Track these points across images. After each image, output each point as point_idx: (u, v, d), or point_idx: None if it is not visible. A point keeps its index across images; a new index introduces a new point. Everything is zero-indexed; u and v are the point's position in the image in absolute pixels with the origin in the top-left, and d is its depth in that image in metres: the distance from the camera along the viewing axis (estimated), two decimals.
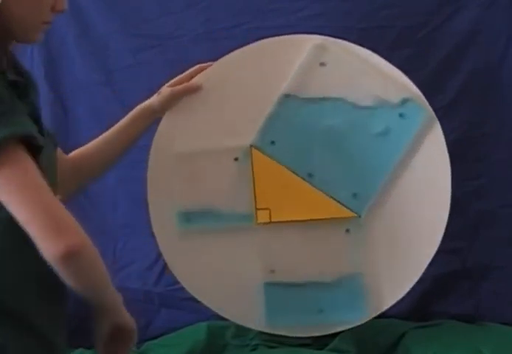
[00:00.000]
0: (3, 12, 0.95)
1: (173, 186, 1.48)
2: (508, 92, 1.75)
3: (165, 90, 1.43)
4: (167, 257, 1.50)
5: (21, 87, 1.01)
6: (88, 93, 1.84)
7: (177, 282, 1.52)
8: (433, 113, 1.47)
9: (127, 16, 1.80)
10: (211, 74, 1.48)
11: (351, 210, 1.48)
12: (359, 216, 1.47)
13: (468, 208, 1.76)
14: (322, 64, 1.48)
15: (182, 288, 1.51)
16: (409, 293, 1.49)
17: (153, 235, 1.49)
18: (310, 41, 1.48)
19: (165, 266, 1.64)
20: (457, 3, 1.73)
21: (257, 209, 1.48)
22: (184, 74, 1.47)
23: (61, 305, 1.05)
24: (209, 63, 1.48)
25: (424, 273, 1.47)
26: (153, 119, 1.42)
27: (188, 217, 1.48)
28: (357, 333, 1.61)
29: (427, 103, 1.47)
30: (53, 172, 1.07)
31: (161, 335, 1.80)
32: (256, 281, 1.49)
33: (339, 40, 1.49)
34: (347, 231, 1.48)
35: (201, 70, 1.47)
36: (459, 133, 1.74)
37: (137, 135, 1.38)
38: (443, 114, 1.61)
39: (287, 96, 1.48)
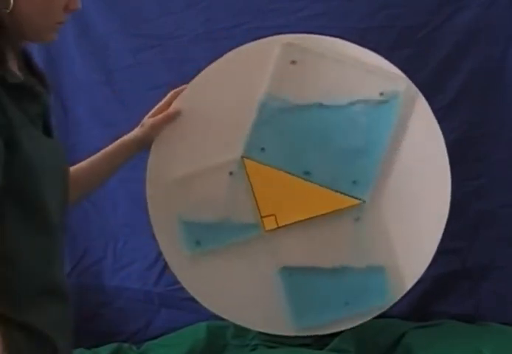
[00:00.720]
0: (14, 12, 0.95)
1: (173, 211, 1.47)
2: (508, 92, 1.75)
3: (147, 121, 1.44)
4: (183, 281, 1.49)
5: (29, 89, 1.00)
6: (88, 93, 1.84)
7: (177, 282, 1.51)
8: (414, 86, 1.46)
9: (127, 16, 1.80)
10: (188, 97, 1.47)
11: (355, 197, 1.47)
12: (364, 201, 1.47)
13: (468, 208, 1.76)
14: (293, 62, 1.48)
15: (182, 288, 1.50)
16: (409, 293, 1.48)
17: (153, 237, 1.49)
18: (277, 42, 1.48)
19: (165, 266, 1.64)
20: (457, 3, 1.73)
21: (262, 217, 1.47)
22: (161, 102, 1.47)
23: (63, 307, 1.05)
24: (183, 86, 1.48)
25: (424, 273, 1.47)
26: (138, 149, 1.42)
27: (197, 240, 1.47)
28: (357, 333, 1.61)
29: (406, 78, 1.46)
30: (56, 181, 1.05)
31: (161, 335, 1.81)
32: (274, 286, 1.47)
33: (305, 36, 1.48)
34: (357, 219, 1.47)
35: (177, 95, 1.47)
36: (459, 133, 1.74)
37: (121, 164, 1.39)
38: (443, 114, 1.61)
39: (266, 101, 1.47)
